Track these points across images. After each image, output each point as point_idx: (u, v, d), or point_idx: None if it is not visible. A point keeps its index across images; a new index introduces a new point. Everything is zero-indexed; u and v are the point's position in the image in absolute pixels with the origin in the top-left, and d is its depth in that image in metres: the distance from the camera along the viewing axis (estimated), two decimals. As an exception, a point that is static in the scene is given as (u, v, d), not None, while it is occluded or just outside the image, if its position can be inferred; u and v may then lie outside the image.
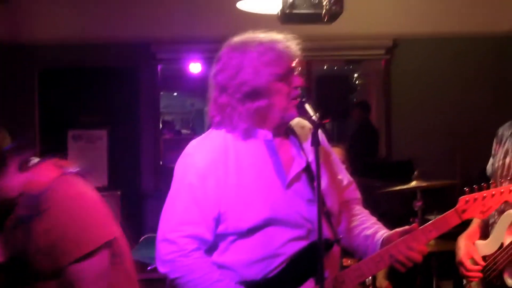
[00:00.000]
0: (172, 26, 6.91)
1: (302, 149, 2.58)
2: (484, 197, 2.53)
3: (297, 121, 2.63)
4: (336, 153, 4.59)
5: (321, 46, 7.29)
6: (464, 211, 2.52)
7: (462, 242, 3.18)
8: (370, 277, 3.85)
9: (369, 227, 2.67)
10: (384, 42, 7.40)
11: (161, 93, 8.21)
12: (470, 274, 3.06)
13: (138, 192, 6.93)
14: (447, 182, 4.81)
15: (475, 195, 2.53)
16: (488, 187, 2.55)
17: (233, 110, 2.51)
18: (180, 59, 7.67)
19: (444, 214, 2.54)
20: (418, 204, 4.17)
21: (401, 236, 2.51)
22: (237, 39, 2.57)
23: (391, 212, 4.85)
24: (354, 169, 5.21)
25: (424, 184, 4.27)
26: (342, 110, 9.97)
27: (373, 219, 2.75)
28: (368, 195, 4.70)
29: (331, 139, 7.87)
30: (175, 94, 12.39)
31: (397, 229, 2.56)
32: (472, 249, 3.09)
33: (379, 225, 2.70)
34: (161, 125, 8.23)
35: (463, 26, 7.16)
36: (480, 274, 3.02)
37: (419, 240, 2.51)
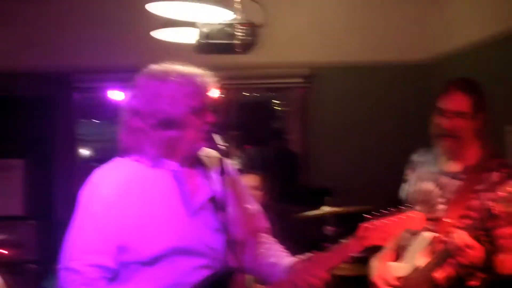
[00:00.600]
0: (89, 55, 6.87)
1: (209, 178, 2.60)
2: (385, 224, 2.59)
3: (205, 151, 2.64)
4: (252, 180, 4.69)
5: (241, 75, 7.37)
6: (364, 237, 2.57)
7: (376, 264, 3.24)
8: None
9: (275, 255, 2.71)
10: (302, 71, 7.51)
11: (81, 121, 8.10)
12: None
13: (54, 221, 6.82)
14: (360, 207, 4.89)
15: (376, 221, 2.58)
16: (389, 214, 2.60)
17: (144, 135, 2.52)
18: (98, 87, 7.60)
19: (346, 241, 2.60)
20: (330, 230, 4.22)
21: (304, 263, 2.54)
22: (156, 67, 2.59)
23: (306, 237, 4.90)
24: (272, 195, 5.27)
25: (336, 209, 4.34)
26: (263, 137, 10.02)
27: (280, 248, 2.79)
28: (284, 221, 4.77)
29: (251, 165, 7.92)
30: (96, 122, 12.23)
31: (302, 257, 2.60)
32: (386, 271, 3.16)
33: (285, 253, 2.74)
34: (79, 154, 8.10)
35: (380, 55, 7.33)
36: None
37: (322, 267, 2.55)
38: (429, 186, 3.16)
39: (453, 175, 3.17)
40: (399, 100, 7.41)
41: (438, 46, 7.00)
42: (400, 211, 2.63)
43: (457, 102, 3.15)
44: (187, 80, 2.53)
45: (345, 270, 4.49)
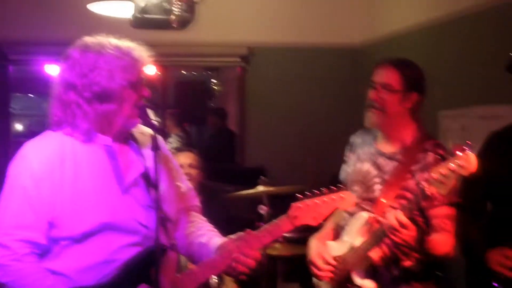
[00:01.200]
0: (24, 26, 6.71)
1: (141, 154, 2.57)
2: (316, 204, 2.61)
3: (138, 127, 2.61)
4: (187, 158, 4.67)
5: (179, 52, 7.31)
6: (296, 217, 2.58)
7: (314, 243, 3.27)
8: (216, 280, 3.89)
9: (205, 234, 2.69)
10: (239, 50, 7.49)
11: (16, 95, 7.93)
12: (321, 273, 3.15)
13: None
14: (295, 187, 4.93)
15: (308, 201, 2.59)
16: (320, 194, 2.62)
17: (78, 109, 2.45)
18: (34, 60, 7.45)
19: (277, 220, 2.61)
20: (264, 209, 4.24)
21: (234, 243, 2.54)
22: (90, 39, 2.52)
23: (240, 216, 4.91)
24: (207, 173, 5.26)
25: (270, 189, 4.36)
26: (200, 115, 10.01)
27: (209, 226, 2.78)
28: (218, 199, 4.78)
29: (188, 143, 7.90)
30: (31, 96, 12.00)
31: (232, 237, 2.60)
32: (323, 250, 3.18)
33: (214, 232, 2.74)
34: (13, 128, 7.95)
35: (318, 37, 7.41)
36: (330, 274, 3.12)
37: (252, 246, 2.55)
38: (366, 166, 3.18)
39: (390, 156, 3.17)
40: (334, 82, 7.51)
41: (373, 30, 7.10)
42: (331, 191, 2.65)
43: (386, 75, 3.14)
44: (124, 53, 2.47)
45: (280, 250, 4.53)
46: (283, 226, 2.59)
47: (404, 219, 2.79)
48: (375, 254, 3.02)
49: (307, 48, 7.52)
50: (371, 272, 3.04)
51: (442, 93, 5.28)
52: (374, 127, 3.07)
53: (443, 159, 2.93)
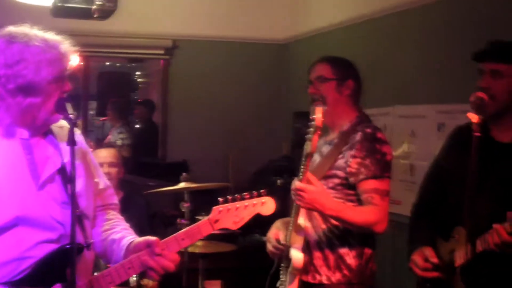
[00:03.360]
0: None
1: (59, 149, 2.49)
2: (237, 208, 2.61)
3: (58, 120, 2.53)
4: (107, 155, 4.56)
5: (102, 43, 7.19)
6: (217, 221, 2.58)
7: (275, 224, 3.46)
8: (135, 279, 3.84)
9: (118, 231, 2.64)
10: (163, 42, 7.41)
11: None
12: (272, 250, 3.37)
13: None
14: (217, 184, 4.91)
15: (229, 205, 2.59)
16: (242, 198, 2.63)
17: (1, 101, 2.36)
18: None
19: (197, 223, 2.60)
20: (185, 206, 4.20)
21: (151, 243, 2.50)
22: (16, 29, 2.42)
23: (162, 213, 4.86)
24: (130, 168, 5.18)
25: (192, 185, 4.32)
26: (124, 107, 9.85)
27: (125, 225, 2.73)
28: (140, 195, 4.71)
29: (112, 137, 7.70)
30: None
31: (147, 237, 2.55)
32: (278, 231, 3.36)
33: (129, 231, 2.68)
34: None
35: (243, 31, 7.41)
36: (277, 252, 3.34)
37: (171, 248, 2.52)
38: (315, 157, 3.27)
39: (330, 142, 3.34)
40: (258, 76, 7.55)
41: (297, 26, 7.15)
42: (252, 196, 2.65)
43: (318, 69, 3.38)
44: (51, 46, 2.39)
45: (201, 247, 4.50)
46: (203, 229, 2.57)
47: (300, 184, 3.03)
48: (301, 221, 3.23)
49: (232, 42, 7.51)
50: (305, 245, 3.23)
51: (366, 92, 5.34)
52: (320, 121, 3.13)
53: (369, 138, 3.10)
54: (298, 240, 3.23)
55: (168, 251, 2.50)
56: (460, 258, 2.88)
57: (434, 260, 3.02)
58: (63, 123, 2.52)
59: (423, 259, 3.05)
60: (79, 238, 2.37)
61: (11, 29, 2.44)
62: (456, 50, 4.51)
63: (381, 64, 5.52)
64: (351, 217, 3.13)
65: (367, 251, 3.30)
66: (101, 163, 4.44)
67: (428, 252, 3.06)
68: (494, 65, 2.93)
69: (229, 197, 2.60)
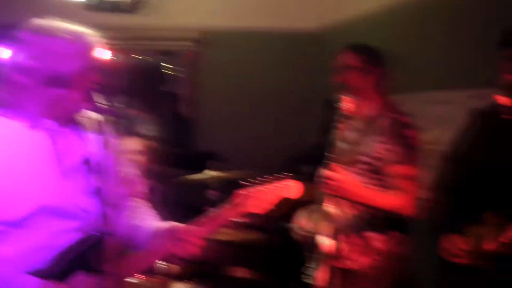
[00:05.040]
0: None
1: (86, 139, 2.53)
2: (260, 192, 2.61)
3: (85, 112, 2.57)
4: (136, 144, 4.61)
5: (131, 36, 7.22)
6: (240, 205, 2.59)
7: (303, 212, 3.62)
8: (164, 265, 3.86)
9: (144, 218, 2.67)
10: (192, 34, 7.46)
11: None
12: (301, 239, 3.52)
13: None
14: (245, 173, 4.91)
15: (252, 189, 2.60)
16: (266, 181, 2.64)
17: (29, 92, 2.40)
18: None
19: (221, 208, 2.60)
20: (214, 194, 4.22)
21: (174, 229, 2.52)
22: (42, 22, 2.46)
23: (190, 202, 4.88)
24: (159, 159, 5.21)
25: (220, 174, 4.34)
26: (154, 100, 9.90)
27: (151, 212, 2.75)
28: (168, 185, 4.74)
29: (137, 129, 7.77)
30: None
31: (172, 223, 2.57)
32: (305, 219, 3.54)
33: (154, 217, 2.71)
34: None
35: (272, 22, 7.38)
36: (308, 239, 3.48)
37: (196, 234, 2.53)
38: (343, 145, 3.35)
39: (357, 129, 3.40)
40: (288, 67, 7.52)
41: (329, 15, 7.10)
42: (276, 179, 2.65)
43: (344, 57, 3.45)
44: (77, 37, 2.43)
45: (229, 235, 4.52)
46: (227, 214, 2.57)
47: (329, 172, 3.14)
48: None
49: (261, 32, 7.50)
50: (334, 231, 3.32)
51: (396, 78, 5.33)
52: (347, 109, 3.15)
53: (396, 123, 3.09)
54: (327, 227, 3.25)
55: (193, 236, 2.52)
56: (492, 243, 2.87)
57: (467, 247, 3.02)
58: (91, 113, 2.56)
59: (455, 247, 3.06)
60: (105, 227, 2.41)
61: (38, 21, 2.47)
62: (482, 34, 4.47)
63: (410, 51, 5.49)
64: (379, 203, 3.15)
65: (397, 235, 3.30)
66: (129, 151, 4.50)
67: (459, 240, 3.06)
68: None
69: (253, 181, 2.60)
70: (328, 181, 3.06)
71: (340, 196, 3.13)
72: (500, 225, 2.79)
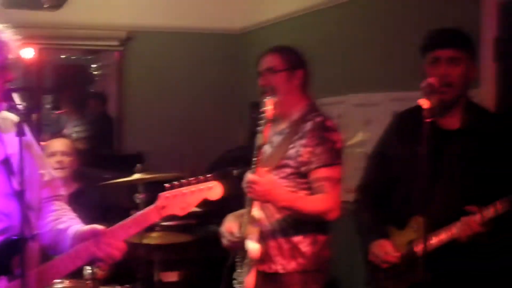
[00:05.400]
0: None
1: (3, 140, 2.45)
2: (184, 194, 2.60)
3: (2, 111, 2.48)
4: (60, 145, 4.51)
5: (55, 35, 7.07)
6: (164, 207, 2.56)
7: (229, 217, 3.50)
8: (90, 270, 3.80)
9: (64, 221, 2.60)
10: (118, 34, 7.33)
11: None
12: (228, 244, 3.40)
13: None
14: (172, 174, 4.87)
15: (175, 191, 2.58)
16: (188, 184, 2.62)
17: None
18: None
19: (144, 210, 2.57)
20: (140, 197, 4.17)
21: (97, 232, 2.47)
22: None
23: (117, 205, 4.82)
24: (85, 160, 5.11)
25: (147, 176, 4.29)
26: (79, 100, 9.74)
27: (72, 215, 2.69)
28: (95, 187, 4.66)
29: (61, 129, 7.62)
30: None
31: (93, 225, 2.52)
32: (232, 224, 3.40)
33: (75, 220, 2.65)
34: None
35: (198, 21, 7.34)
36: (234, 245, 3.37)
37: (117, 237, 2.49)
38: (267, 148, 3.29)
39: (281, 132, 3.35)
40: (214, 67, 7.51)
41: (254, 17, 7.12)
42: (199, 181, 2.64)
43: (267, 60, 3.39)
44: None
45: (157, 238, 4.48)
46: (151, 216, 2.54)
47: (253, 176, 3.06)
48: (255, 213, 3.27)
49: (187, 32, 7.47)
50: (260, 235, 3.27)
51: (320, 81, 5.37)
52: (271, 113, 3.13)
53: (319, 126, 3.10)
54: (253, 231, 3.24)
55: (115, 239, 2.47)
56: (422, 248, 2.90)
57: (396, 254, 3.05)
58: (7, 114, 2.48)
59: (384, 252, 3.09)
60: (25, 230, 2.33)
61: None
62: (407, 38, 4.55)
63: (334, 53, 5.55)
64: (303, 207, 3.15)
65: (321, 238, 3.32)
66: (54, 152, 4.41)
67: (388, 245, 3.09)
68: (451, 52, 2.95)
69: (176, 183, 2.58)
70: (253, 185, 3.05)
71: (264, 200, 3.12)
72: (425, 228, 2.83)
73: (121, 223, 2.52)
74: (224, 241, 3.40)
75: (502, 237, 2.89)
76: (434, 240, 2.91)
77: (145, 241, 4.35)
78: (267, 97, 3.16)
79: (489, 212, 2.80)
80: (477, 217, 2.80)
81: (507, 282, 3.03)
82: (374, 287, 3.23)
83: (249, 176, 3.08)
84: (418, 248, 2.94)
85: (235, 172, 6.02)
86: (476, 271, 2.94)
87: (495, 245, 2.91)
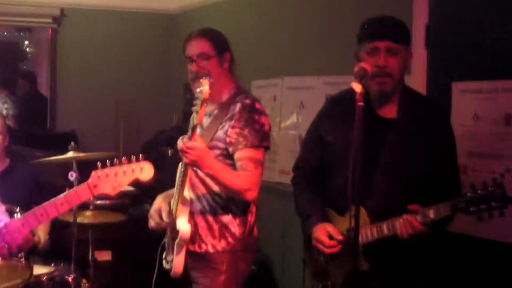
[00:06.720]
0: None
1: None
2: (116, 173, 2.62)
3: None
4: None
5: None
6: (95, 186, 2.58)
7: (158, 199, 3.48)
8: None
9: None
10: (51, 11, 7.21)
11: None
12: (154, 226, 3.40)
13: None
14: (106, 153, 4.86)
15: (107, 170, 2.61)
16: (120, 164, 2.64)
17: None
18: None
19: (76, 188, 2.60)
20: (73, 175, 4.14)
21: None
22: None
23: (51, 182, 4.77)
24: (16, 138, 5.05)
25: (80, 154, 4.27)
26: (11, 78, 9.56)
27: None
28: (28, 165, 4.61)
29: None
30: None
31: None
32: (162, 205, 3.39)
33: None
34: None
35: (129, 2, 7.32)
36: (163, 225, 3.37)
37: (49, 215, 2.50)
38: (198, 130, 3.30)
39: (210, 114, 3.38)
40: (148, 47, 7.50)
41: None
42: (131, 161, 2.67)
43: (197, 45, 3.39)
44: None
45: (91, 217, 4.48)
46: (82, 194, 2.57)
47: (188, 142, 3.05)
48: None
49: (122, 11, 7.43)
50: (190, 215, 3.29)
51: (254, 64, 5.43)
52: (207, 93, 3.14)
53: (248, 108, 3.23)
54: (184, 211, 3.26)
55: (16, 230, 2.46)
56: (364, 237, 2.94)
57: (339, 237, 3.05)
58: None
59: (327, 236, 3.09)
60: None
61: None
62: (341, 23, 4.63)
63: (269, 36, 5.59)
64: (226, 179, 3.18)
65: (250, 218, 3.38)
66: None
67: (332, 229, 3.09)
68: (391, 43, 2.95)
69: (108, 163, 2.60)
70: (188, 150, 3.05)
71: (193, 165, 3.13)
72: (373, 221, 2.91)
73: (53, 200, 2.51)
74: (151, 223, 3.41)
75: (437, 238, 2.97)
76: (374, 232, 2.95)
77: (79, 220, 4.34)
78: (197, 79, 3.18)
79: (431, 213, 2.82)
80: (418, 217, 2.82)
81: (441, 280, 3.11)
82: (313, 268, 3.27)
83: (186, 141, 3.08)
84: (361, 237, 2.93)
85: (169, 152, 6.05)
86: (414, 267, 3.03)
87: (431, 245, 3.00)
